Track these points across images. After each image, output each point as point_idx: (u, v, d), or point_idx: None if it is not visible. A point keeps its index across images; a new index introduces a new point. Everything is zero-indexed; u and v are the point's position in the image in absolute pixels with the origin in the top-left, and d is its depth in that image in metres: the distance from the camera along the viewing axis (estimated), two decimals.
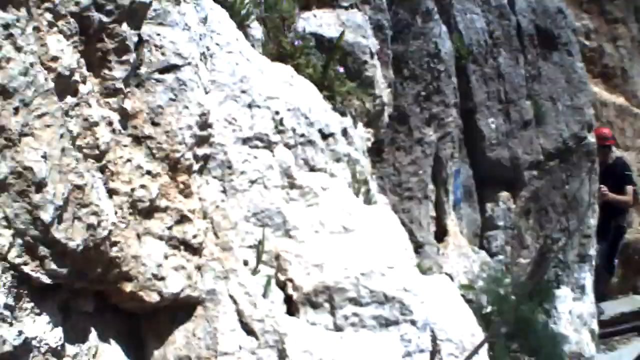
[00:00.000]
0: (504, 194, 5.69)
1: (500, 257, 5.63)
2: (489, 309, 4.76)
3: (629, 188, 7.74)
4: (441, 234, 4.94)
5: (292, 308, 2.49)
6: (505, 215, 5.69)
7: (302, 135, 2.83)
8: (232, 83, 2.54)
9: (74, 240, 1.91)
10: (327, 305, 2.51)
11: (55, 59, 1.98)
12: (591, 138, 6.35)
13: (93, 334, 2.13)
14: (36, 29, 1.98)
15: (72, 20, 2.06)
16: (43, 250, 1.89)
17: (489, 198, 5.64)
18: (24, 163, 1.81)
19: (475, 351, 2.84)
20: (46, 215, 1.85)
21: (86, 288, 2.13)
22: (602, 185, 6.99)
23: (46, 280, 1.90)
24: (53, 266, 1.91)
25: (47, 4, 2.00)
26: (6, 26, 1.86)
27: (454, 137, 5.02)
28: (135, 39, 2.21)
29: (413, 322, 2.70)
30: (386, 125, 4.25)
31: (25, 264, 1.87)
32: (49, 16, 2.01)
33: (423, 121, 4.64)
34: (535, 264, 5.88)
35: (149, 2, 2.28)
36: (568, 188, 6.09)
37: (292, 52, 3.30)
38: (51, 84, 1.94)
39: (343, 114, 3.40)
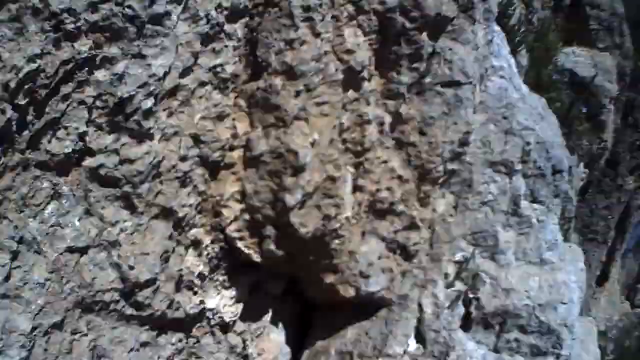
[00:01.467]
0: None
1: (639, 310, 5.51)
2: (610, 357, 4.79)
3: None
4: (601, 279, 4.95)
5: (466, 324, 2.69)
6: None
7: (539, 168, 2.94)
8: (497, 107, 2.67)
9: (307, 227, 2.06)
10: (497, 327, 2.69)
11: (349, 52, 2.13)
12: None
13: (268, 316, 2.30)
14: (335, 17, 2.09)
15: (374, 18, 2.17)
16: (269, 231, 2.03)
17: None
18: (289, 145, 1.94)
19: None
20: (291, 200, 2.02)
21: (283, 272, 2.28)
22: None
23: (256, 258, 2.08)
24: (272, 247, 2.10)
25: None
26: (307, 8, 1.94)
27: None
28: (430, 50, 2.32)
29: (558, 357, 2.84)
30: (600, 169, 4.25)
31: (241, 239, 2.03)
32: (350, 9, 2.14)
33: (629, 169, 4.61)
34: None
35: (452, 17, 2.38)
36: None
37: (548, 84, 3.34)
38: (340, 75, 2.06)
39: (572, 152, 3.44)
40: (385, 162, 2.25)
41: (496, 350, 2.67)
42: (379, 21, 2.14)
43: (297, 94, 1.94)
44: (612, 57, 3.78)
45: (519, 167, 2.75)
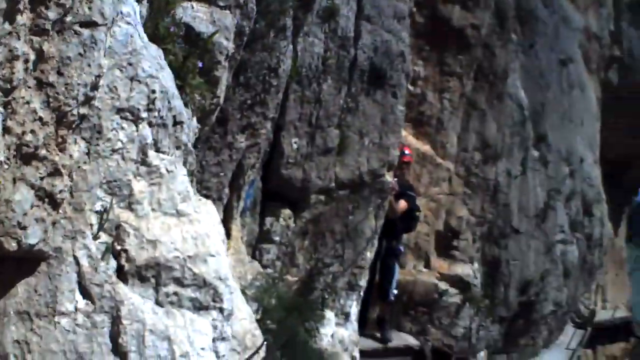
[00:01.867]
0: (286, 212, 5.86)
1: (270, 270, 5.78)
2: (257, 316, 4.98)
3: (402, 202, 8.23)
4: (226, 237, 5.09)
5: (121, 278, 2.56)
6: (283, 232, 5.85)
7: (162, 118, 2.89)
8: (123, 53, 2.60)
9: None
10: (153, 280, 2.63)
11: None
12: (388, 177, 6.69)
13: None
14: None
15: None
16: None
17: (271, 213, 5.77)
18: None
19: (256, 351, 3.18)
20: None
21: None
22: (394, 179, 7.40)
23: None
24: None
25: None
26: None
27: (261, 149, 5.16)
28: None
29: (221, 310, 2.90)
30: (211, 125, 4.35)
31: None
32: None
33: (239, 127, 4.74)
34: (304, 283, 6.11)
35: None
36: (351, 218, 6.36)
37: (164, 36, 3.33)
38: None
39: (186, 106, 3.48)
40: (28, 102, 2.12)
41: (159, 304, 2.64)
42: None
43: None
44: (232, 16, 3.88)
45: (144, 115, 2.74)
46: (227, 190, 4.88)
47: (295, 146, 5.65)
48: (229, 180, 4.87)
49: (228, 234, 5.12)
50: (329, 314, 6.43)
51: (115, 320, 2.42)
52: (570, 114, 16.05)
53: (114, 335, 2.40)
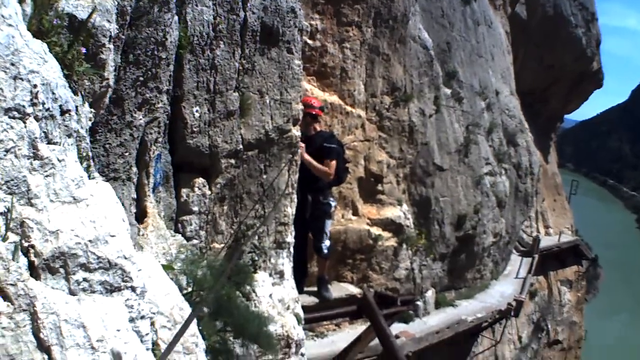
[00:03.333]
0: (200, 180, 5.90)
1: (195, 241, 5.85)
2: (189, 289, 4.97)
3: (331, 163, 8.47)
4: (141, 216, 5.13)
5: (34, 274, 2.61)
6: (201, 200, 5.89)
7: (48, 110, 2.89)
8: (5, 55, 2.64)
9: None
10: (62, 270, 2.67)
11: None
12: (295, 132, 6.78)
13: None
14: None
15: None
16: None
17: (185, 184, 5.82)
18: None
19: (187, 324, 3.06)
20: None
21: None
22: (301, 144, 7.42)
23: None
24: None
25: None
26: None
27: (160, 123, 5.18)
28: None
29: (133, 289, 2.94)
30: (105, 108, 4.41)
31: None
32: None
33: (136, 105, 4.76)
34: (231, 248, 6.18)
35: None
36: (265, 177, 6.45)
37: (49, 29, 3.38)
38: None
39: (75, 93, 3.54)
40: None
41: (72, 293, 2.67)
42: None
43: None
44: None
45: (30, 110, 2.77)
46: (134, 169, 4.87)
47: (197, 114, 5.68)
48: (135, 159, 4.89)
49: (144, 212, 5.20)
50: (263, 275, 6.53)
51: (34, 317, 2.45)
52: (478, 50, 16.42)
53: (36, 331, 2.44)
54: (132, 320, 2.95)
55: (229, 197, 6.27)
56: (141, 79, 4.77)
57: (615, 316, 65.57)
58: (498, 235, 17.27)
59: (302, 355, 7.06)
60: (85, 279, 2.74)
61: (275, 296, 6.66)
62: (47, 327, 2.48)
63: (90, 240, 2.79)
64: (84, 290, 2.73)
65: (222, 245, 6.22)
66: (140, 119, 4.89)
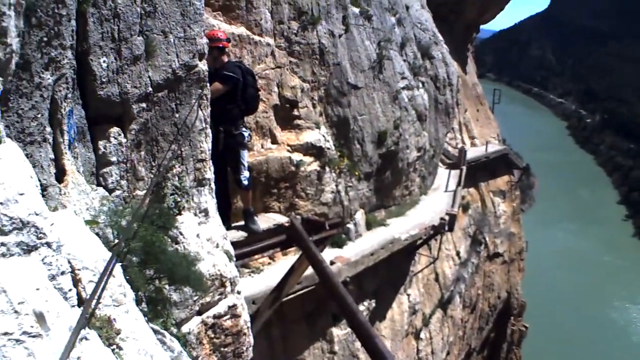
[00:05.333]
0: (114, 130, 6.02)
1: (118, 192, 6.01)
2: (115, 241, 5.09)
3: (216, 84, 8.61)
4: (61, 175, 5.09)
5: None
6: (118, 150, 6.02)
7: None
8: None
9: None
10: None
11: None
12: (202, 66, 6.90)
13: None
14: None
15: None
16: None
17: (101, 135, 5.92)
18: None
19: (107, 269, 3.24)
20: None
21: None
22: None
23: None
24: None
25: None
26: None
27: (68, 79, 5.20)
28: None
29: (49, 245, 3.00)
30: (13, 74, 4.48)
31: None
32: None
33: (42, 66, 4.77)
34: (153, 193, 6.32)
35: None
36: (178, 116, 6.62)
37: None
38: None
39: None
40: None
41: None
42: None
43: None
44: None
45: None
46: (48, 129, 4.93)
47: (104, 65, 5.76)
48: (47, 119, 4.93)
49: (63, 171, 5.24)
50: (188, 216, 6.68)
51: None
52: None
53: None
54: (52, 277, 3.02)
55: (144, 141, 6.42)
56: (45, 39, 4.80)
57: (554, 225, 68.02)
58: (422, 150, 17.75)
59: (239, 293, 7.21)
60: (2, 243, 2.81)
61: (203, 235, 6.81)
62: None
63: (1, 203, 2.85)
64: (3, 255, 2.80)
65: (144, 191, 6.31)
66: (49, 79, 4.91)
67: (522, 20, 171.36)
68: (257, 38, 10.78)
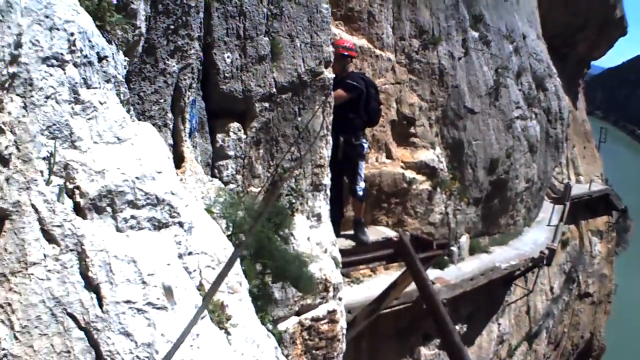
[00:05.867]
0: (235, 125, 5.95)
1: (232, 185, 5.89)
2: (228, 232, 4.98)
3: (339, 91, 8.35)
4: (179, 161, 5.13)
5: (79, 214, 2.63)
6: (236, 145, 5.94)
7: (86, 57, 2.92)
8: (38, 9, 2.65)
9: None
10: (109, 209, 2.69)
11: None
12: (328, 74, 6.77)
13: None
14: None
15: None
16: None
17: (220, 129, 5.87)
18: None
19: (232, 261, 3.06)
20: None
21: None
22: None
23: None
24: None
25: None
26: None
27: (193, 69, 5.22)
28: None
29: (181, 224, 2.97)
30: (139, 56, 4.44)
31: None
32: None
33: (168, 53, 4.80)
34: (268, 191, 6.21)
35: None
36: (300, 120, 6.48)
37: None
38: None
39: (110, 42, 3.53)
40: None
41: (119, 231, 2.69)
42: None
43: None
44: None
45: (68, 57, 2.79)
46: (170, 115, 4.91)
47: (229, 60, 5.70)
48: (170, 105, 4.93)
49: (181, 157, 5.22)
50: (300, 218, 6.54)
51: (82, 255, 2.48)
52: None
53: (84, 271, 2.47)
54: (180, 256, 2.98)
55: (264, 140, 6.32)
56: (172, 27, 4.81)
57: None
58: (530, 181, 17.13)
59: (340, 299, 7.08)
60: (132, 216, 2.77)
61: (313, 239, 6.68)
62: (96, 264, 2.51)
63: (137, 177, 2.81)
64: (131, 227, 2.76)
65: (259, 188, 6.27)
66: (174, 66, 4.93)
67: (630, 59, 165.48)
68: (378, 52, 10.60)
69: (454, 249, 13.38)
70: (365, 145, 9.26)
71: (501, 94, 14.68)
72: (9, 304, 2.30)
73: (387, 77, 10.97)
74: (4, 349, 2.27)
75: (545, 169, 19.08)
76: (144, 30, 4.22)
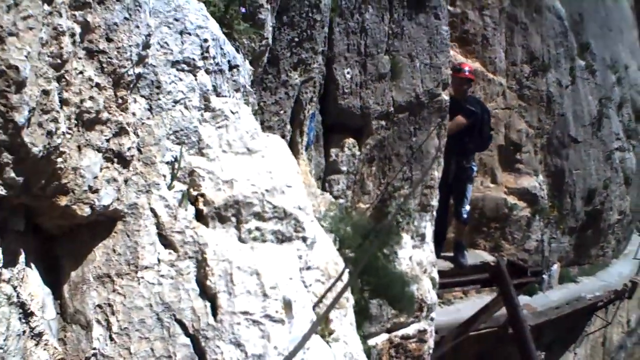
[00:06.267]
0: (350, 141, 5.87)
1: (342, 200, 5.80)
2: (336, 246, 5.01)
3: (459, 117, 8.26)
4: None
5: (202, 222, 2.57)
6: (350, 161, 5.86)
7: (217, 64, 2.91)
8: (167, 11, 2.65)
9: (37, 145, 1.91)
10: (233, 219, 2.61)
11: None
12: (445, 96, 6.65)
13: (22, 257, 2.09)
14: None
15: None
16: (6, 157, 1.86)
17: (335, 144, 5.79)
18: (9, 61, 1.78)
19: (339, 278, 3.08)
20: (20, 117, 1.83)
21: (21, 204, 2.08)
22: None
23: (1, 191, 1.88)
24: (12, 174, 1.89)
25: None
26: None
27: (316, 83, 5.16)
28: None
29: (304, 239, 2.87)
30: (263, 66, 4.36)
31: None
32: None
33: (291, 65, 4.74)
34: (376, 209, 6.13)
35: None
36: (415, 140, 6.35)
37: None
38: None
39: (237, 51, 3.49)
40: (81, 72, 2.14)
41: (242, 241, 2.62)
42: None
43: (8, 8, 1.78)
44: None
45: (200, 63, 2.77)
46: (289, 127, 4.87)
47: (348, 76, 5.63)
48: (289, 117, 4.89)
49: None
50: (405, 237, 6.43)
51: (201, 264, 2.44)
52: (608, 23, 15.84)
53: (201, 279, 2.43)
54: (300, 270, 2.89)
55: (377, 158, 6.23)
56: (296, 39, 4.76)
57: None
58: (623, 213, 16.58)
59: (432, 319, 7.03)
60: (257, 228, 2.70)
61: (415, 258, 6.58)
62: (217, 274, 2.45)
63: (267, 190, 2.74)
64: (254, 239, 2.69)
65: (368, 205, 6.19)
66: (296, 79, 4.87)
67: None
68: (490, 75, 10.47)
69: (545, 276, 13.01)
70: (475, 169, 9.14)
71: (603, 124, 14.30)
72: (110, 305, 2.28)
73: (497, 102, 10.82)
74: (94, 349, 2.25)
75: (638, 202, 18.47)
76: (270, 40, 4.20)
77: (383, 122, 6.08)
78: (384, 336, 6.34)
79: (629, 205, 16.87)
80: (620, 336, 19.35)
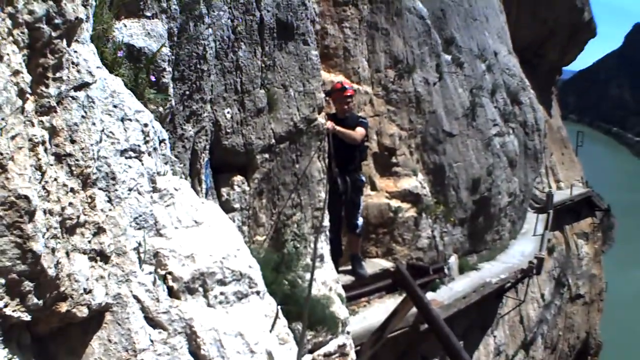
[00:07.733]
0: (238, 178, 6.32)
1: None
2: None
3: (358, 129, 9.06)
4: None
5: (174, 297, 2.88)
6: (241, 197, 6.33)
7: (153, 143, 3.15)
8: (104, 98, 2.75)
9: (51, 267, 2.03)
10: (201, 289, 2.96)
11: (17, 73, 1.94)
12: (321, 119, 7.34)
13: None
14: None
15: (26, 30, 2.00)
16: (28, 285, 1.94)
17: (225, 183, 6.24)
18: (17, 191, 1.84)
19: (277, 317, 3.57)
20: (38, 246, 1.91)
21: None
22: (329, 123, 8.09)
23: (27, 317, 1.97)
24: (35, 300, 1.99)
25: (9, 9, 1.95)
26: None
27: (207, 131, 5.55)
28: (68, 56, 2.31)
29: (258, 293, 3.34)
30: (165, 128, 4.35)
31: (6, 305, 1.89)
32: (9, 23, 1.92)
33: (184, 118, 5.08)
34: (273, 240, 6.73)
35: (86, 18, 2.46)
36: (298, 167, 7.00)
37: (113, 63, 3.50)
38: (20, 101, 1.93)
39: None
40: (55, 179, 2.20)
41: (210, 307, 2.97)
42: (29, 34, 2.07)
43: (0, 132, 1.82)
44: (161, 23, 4.20)
45: (144, 148, 2.96)
46: (189, 179, 5.04)
47: (229, 116, 5.96)
48: (188, 168, 5.16)
49: None
50: (306, 261, 7.03)
51: (191, 337, 2.70)
52: (472, 13, 16.92)
53: (194, 350, 2.69)
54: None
55: (266, 190, 6.72)
56: (187, 92, 5.08)
57: (635, 265, 65.47)
58: (512, 195, 17.98)
59: (348, 333, 7.54)
60: (221, 293, 3.11)
61: (319, 279, 7.12)
62: (208, 342, 2.76)
63: (223, 257, 3.16)
64: (220, 302, 3.09)
65: (264, 237, 6.69)
66: (190, 130, 5.19)
67: (599, 58, 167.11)
68: (355, 86, 11.07)
69: (445, 270, 13.94)
70: (364, 180, 9.87)
71: (477, 113, 15.48)
72: None
73: (365, 110, 11.58)
74: None
75: (526, 181, 19.90)
76: (173, 102, 4.41)
77: (266, 155, 6.58)
78: (308, 357, 6.72)
79: (517, 186, 18.19)
80: (537, 311, 20.86)
